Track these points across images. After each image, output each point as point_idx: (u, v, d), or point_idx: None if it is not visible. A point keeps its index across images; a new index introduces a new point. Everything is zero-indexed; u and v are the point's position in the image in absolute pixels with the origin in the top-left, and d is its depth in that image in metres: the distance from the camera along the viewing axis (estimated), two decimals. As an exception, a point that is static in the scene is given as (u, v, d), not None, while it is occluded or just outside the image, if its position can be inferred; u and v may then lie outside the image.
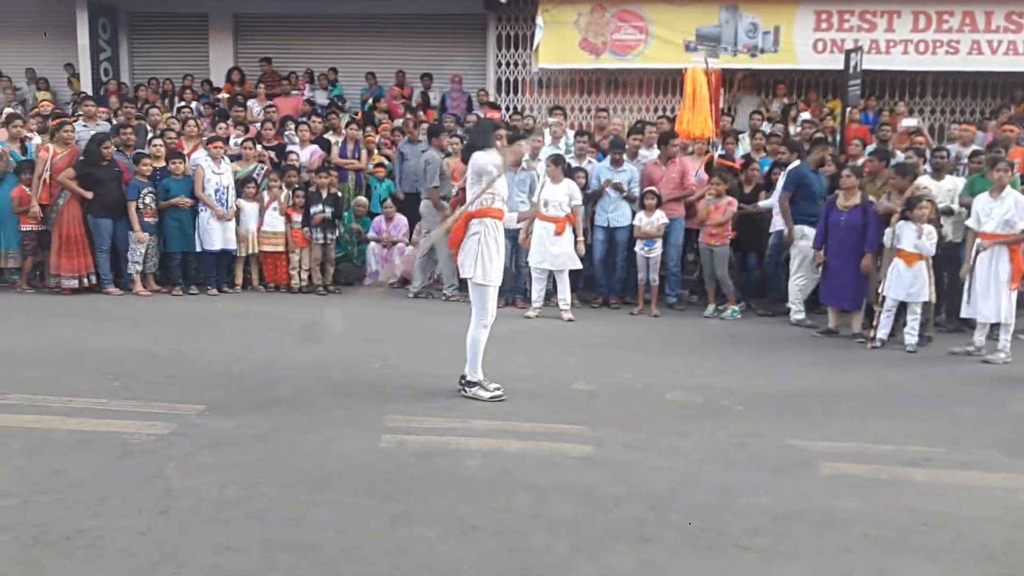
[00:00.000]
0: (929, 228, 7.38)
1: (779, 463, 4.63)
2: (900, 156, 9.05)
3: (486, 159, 5.48)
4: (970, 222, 7.41)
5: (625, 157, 9.28)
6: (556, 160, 8.79)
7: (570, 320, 8.47)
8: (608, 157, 9.34)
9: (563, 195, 8.57)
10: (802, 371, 6.79)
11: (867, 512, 4.02)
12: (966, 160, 8.96)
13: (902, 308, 7.64)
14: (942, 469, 4.62)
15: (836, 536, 3.77)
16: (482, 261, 5.56)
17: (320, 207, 9.63)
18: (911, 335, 7.52)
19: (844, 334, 8.03)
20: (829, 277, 8.09)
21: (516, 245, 9.00)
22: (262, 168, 9.97)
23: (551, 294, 8.94)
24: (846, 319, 8.15)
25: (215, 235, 9.41)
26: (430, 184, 9.27)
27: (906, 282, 7.40)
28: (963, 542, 3.74)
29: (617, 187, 9.03)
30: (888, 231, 7.60)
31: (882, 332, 7.63)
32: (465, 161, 5.90)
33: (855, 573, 3.44)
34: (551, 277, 8.79)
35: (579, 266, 8.72)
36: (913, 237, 7.37)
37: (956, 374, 6.86)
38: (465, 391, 5.70)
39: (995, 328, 7.32)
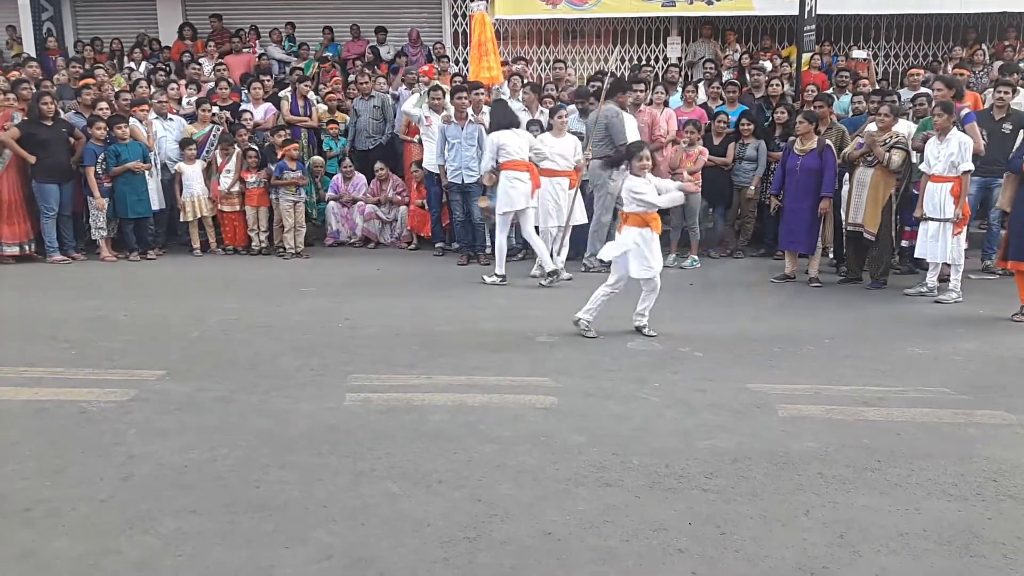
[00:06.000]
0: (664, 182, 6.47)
1: (737, 406, 4.72)
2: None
3: None
4: (922, 166, 7.51)
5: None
6: (556, 112, 8.38)
7: (569, 279, 8.15)
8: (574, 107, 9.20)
9: (569, 148, 8.21)
10: (759, 316, 6.88)
11: (823, 451, 4.12)
12: (910, 104, 9.05)
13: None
14: (895, 407, 4.74)
15: (793, 475, 3.86)
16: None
17: (294, 168, 9.38)
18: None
19: (800, 279, 8.14)
20: (786, 222, 8.18)
21: (468, 199, 8.89)
22: (218, 130, 9.76)
23: (515, 251, 8.94)
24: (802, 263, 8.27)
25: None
26: (619, 142, 8.17)
27: None
28: (916, 477, 3.86)
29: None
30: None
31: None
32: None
33: (812, 511, 3.53)
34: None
35: (586, 220, 8.42)
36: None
37: (909, 315, 7.00)
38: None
39: (947, 269, 7.47)
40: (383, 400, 4.80)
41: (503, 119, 8.13)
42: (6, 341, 6.03)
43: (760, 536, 3.33)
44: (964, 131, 7.39)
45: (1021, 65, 10.62)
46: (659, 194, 6.09)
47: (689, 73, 12.54)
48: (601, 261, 7.83)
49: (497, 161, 7.98)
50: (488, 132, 8.22)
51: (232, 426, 4.42)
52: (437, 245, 9.57)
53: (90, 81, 10.07)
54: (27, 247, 9.06)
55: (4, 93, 9.19)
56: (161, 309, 7.01)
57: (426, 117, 9.25)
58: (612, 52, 10.08)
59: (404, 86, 10.77)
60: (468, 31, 13.30)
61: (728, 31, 12.88)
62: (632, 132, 8.41)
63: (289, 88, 10.80)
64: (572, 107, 9.08)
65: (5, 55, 13.66)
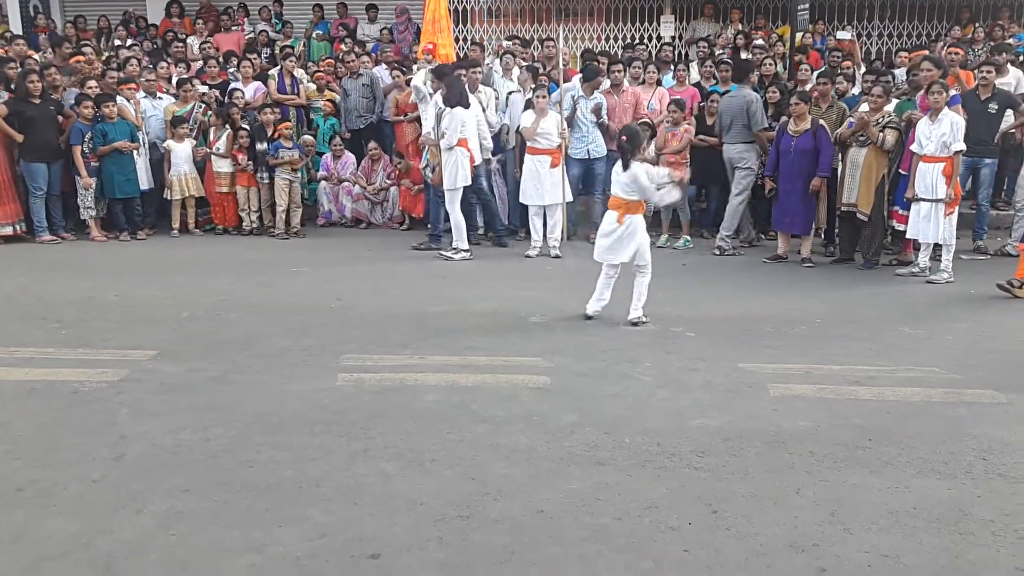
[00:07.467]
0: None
1: (730, 386, 4.74)
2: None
3: None
4: (913, 147, 7.50)
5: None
6: (537, 91, 8.38)
7: (557, 256, 8.26)
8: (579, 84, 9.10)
9: (553, 126, 8.26)
10: (752, 297, 6.89)
11: (815, 430, 4.14)
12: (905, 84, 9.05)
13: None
14: (887, 387, 4.76)
15: (784, 454, 3.88)
16: None
17: (264, 145, 9.32)
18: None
19: (792, 259, 8.15)
20: (779, 202, 8.18)
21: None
22: (200, 107, 9.67)
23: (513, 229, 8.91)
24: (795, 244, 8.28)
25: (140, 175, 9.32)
26: (759, 127, 8.47)
27: None
28: (907, 456, 3.88)
29: (596, 111, 8.76)
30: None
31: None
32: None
33: (804, 489, 3.55)
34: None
35: (571, 199, 8.50)
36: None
37: (901, 295, 7.02)
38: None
39: (938, 249, 7.49)
40: (376, 380, 4.80)
41: (462, 97, 8.10)
42: (-4, 321, 6.01)
43: (751, 514, 3.35)
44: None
45: (1010, 42, 10.61)
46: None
47: (686, 51, 12.48)
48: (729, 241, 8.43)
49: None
50: (449, 106, 8.08)
51: (225, 406, 4.41)
52: (429, 225, 9.51)
53: (81, 58, 9.96)
54: (18, 227, 8.99)
55: None
56: (152, 289, 6.97)
57: (430, 94, 9.12)
58: (560, 31, 9.79)
59: (382, 65, 10.68)
60: (472, 10, 13.29)
61: (734, 9, 12.79)
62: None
63: (277, 67, 10.72)
64: (570, 85, 8.97)
65: None
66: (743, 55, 10.85)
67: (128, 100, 9.33)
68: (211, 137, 9.51)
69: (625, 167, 5.82)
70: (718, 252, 8.54)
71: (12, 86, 8.95)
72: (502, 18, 13.46)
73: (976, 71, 8.58)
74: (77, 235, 9.25)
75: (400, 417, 4.26)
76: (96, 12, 13.43)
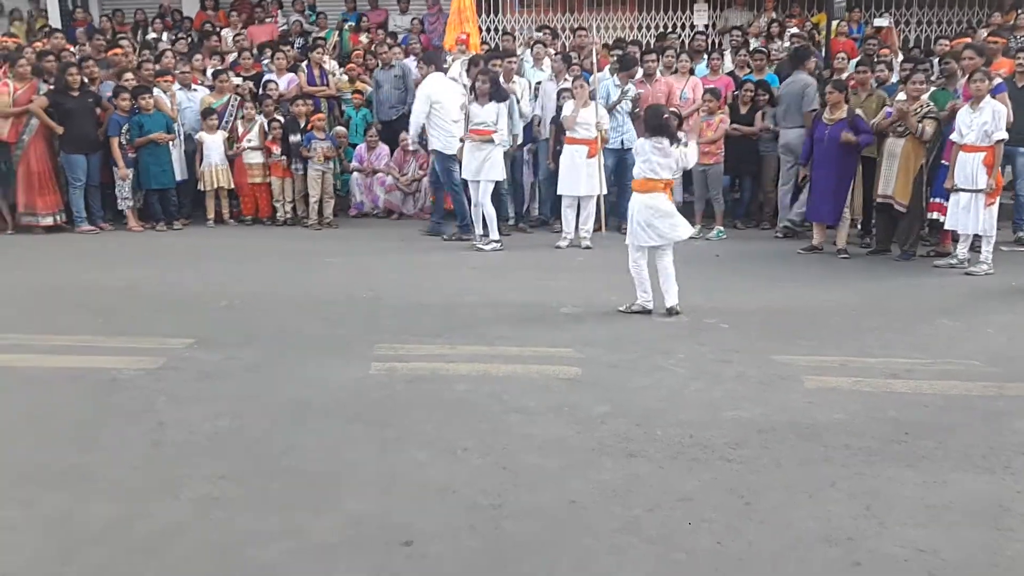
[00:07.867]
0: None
1: (764, 378, 4.69)
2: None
3: None
4: (953, 136, 7.36)
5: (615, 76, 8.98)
6: (579, 79, 8.38)
7: (587, 248, 8.24)
8: (615, 74, 9.04)
9: (591, 116, 8.19)
10: (787, 288, 6.82)
11: (850, 423, 4.09)
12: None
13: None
14: (924, 380, 4.69)
15: (819, 447, 3.84)
16: None
17: (298, 137, 9.39)
18: None
19: (828, 250, 8.05)
20: (812, 192, 8.08)
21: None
22: (236, 99, 9.75)
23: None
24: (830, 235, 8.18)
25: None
26: (807, 108, 8.61)
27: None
28: (944, 450, 3.82)
29: (635, 101, 8.70)
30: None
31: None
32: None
33: (838, 483, 3.51)
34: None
35: (606, 191, 8.46)
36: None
37: (939, 287, 6.90)
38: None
39: (977, 240, 7.36)
40: (408, 369, 4.82)
41: (503, 91, 8.13)
42: (37, 310, 6.12)
43: (785, 507, 3.32)
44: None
45: None
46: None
47: (719, 40, 12.35)
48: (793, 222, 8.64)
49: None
50: (500, 101, 8.12)
51: (260, 394, 4.46)
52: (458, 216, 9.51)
53: (118, 51, 10.11)
54: (58, 217, 9.16)
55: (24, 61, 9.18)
56: (188, 279, 7.07)
57: (465, 85, 9.11)
58: (592, 21, 9.54)
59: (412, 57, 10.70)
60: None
61: None
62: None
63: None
64: (603, 75, 8.92)
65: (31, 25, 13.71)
66: (777, 44, 10.73)
67: (164, 92, 9.45)
68: (240, 131, 9.59)
69: (675, 142, 5.84)
70: (786, 230, 8.79)
71: (48, 78, 9.10)
72: (533, 8, 13.39)
73: (1014, 58, 8.40)
74: (115, 225, 9.42)
75: (432, 406, 4.29)
76: (133, 5, 13.60)
